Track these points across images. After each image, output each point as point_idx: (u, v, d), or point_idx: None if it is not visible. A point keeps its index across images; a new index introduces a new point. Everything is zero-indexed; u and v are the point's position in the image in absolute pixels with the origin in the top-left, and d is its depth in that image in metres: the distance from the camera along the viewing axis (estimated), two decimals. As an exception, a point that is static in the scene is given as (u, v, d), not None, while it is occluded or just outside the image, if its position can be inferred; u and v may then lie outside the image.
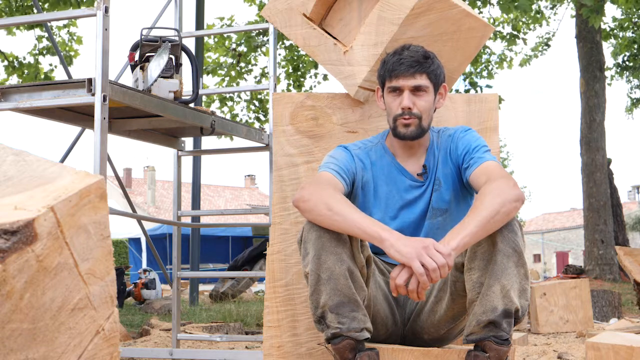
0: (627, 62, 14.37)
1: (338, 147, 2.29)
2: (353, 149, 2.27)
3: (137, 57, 3.19)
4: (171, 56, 3.19)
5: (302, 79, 12.52)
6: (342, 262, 1.93)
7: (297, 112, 2.53)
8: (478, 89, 12.20)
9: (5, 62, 10.80)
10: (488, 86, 12.44)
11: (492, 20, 11.86)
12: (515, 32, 11.87)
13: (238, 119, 12.32)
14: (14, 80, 10.80)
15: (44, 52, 10.80)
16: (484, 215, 1.88)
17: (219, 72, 12.11)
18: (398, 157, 2.27)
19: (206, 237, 17.85)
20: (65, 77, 7.67)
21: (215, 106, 12.46)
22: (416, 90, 2.17)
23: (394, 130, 2.21)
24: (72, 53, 10.60)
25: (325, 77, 12.47)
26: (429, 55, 2.21)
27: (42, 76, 10.72)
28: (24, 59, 10.89)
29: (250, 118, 12.73)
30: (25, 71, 10.69)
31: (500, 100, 10.73)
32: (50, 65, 10.99)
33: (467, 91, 12.25)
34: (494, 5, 10.45)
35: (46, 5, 9.38)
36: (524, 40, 12.18)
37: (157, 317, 6.05)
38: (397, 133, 2.20)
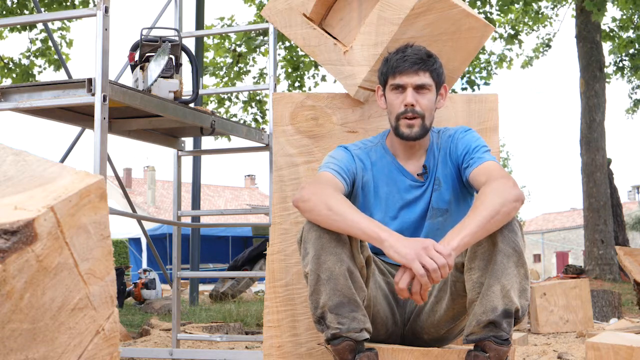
0: (624, 62, 14.37)
1: (338, 147, 2.29)
2: (353, 149, 2.27)
3: (137, 57, 3.19)
4: (171, 56, 3.19)
5: (301, 79, 12.51)
6: (341, 262, 1.93)
7: (297, 112, 2.53)
8: (475, 87, 12.19)
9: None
10: (486, 83, 12.43)
11: (492, 20, 11.85)
12: (512, 33, 11.86)
13: (235, 120, 12.31)
14: (7, 82, 10.79)
15: (37, 55, 10.80)
16: (484, 215, 1.88)
17: (219, 73, 12.11)
18: (398, 157, 2.26)
19: (206, 237, 17.85)
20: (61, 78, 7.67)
21: (211, 107, 12.45)
22: (419, 88, 2.17)
23: (396, 129, 2.20)
24: (63, 57, 10.58)
25: (324, 78, 12.46)
26: (432, 54, 2.22)
27: (34, 78, 10.72)
28: (19, 60, 10.90)
29: (248, 119, 12.73)
30: (16, 72, 10.68)
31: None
32: (40, 67, 10.96)
33: (463, 89, 12.26)
34: (492, 6, 10.44)
35: (41, 7, 9.39)
36: (520, 42, 12.17)
37: (157, 317, 6.05)
38: (399, 133, 2.19)
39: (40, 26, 10.37)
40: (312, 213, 1.98)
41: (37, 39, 10.82)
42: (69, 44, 10.83)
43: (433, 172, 2.24)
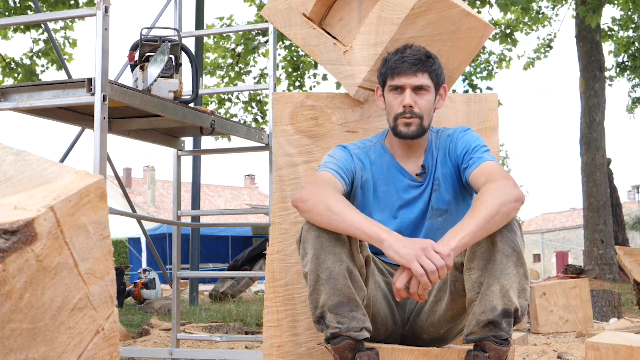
0: (626, 63, 14.37)
1: (337, 147, 2.29)
2: (352, 149, 2.27)
3: (137, 57, 3.19)
4: (171, 56, 3.19)
5: (301, 79, 12.51)
6: (341, 262, 1.93)
7: (297, 112, 2.53)
8: (478, 90, 12.19)
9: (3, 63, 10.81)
10: (489, 88, 12.44)
11: (492, 22, 11.84)
12: (507, 32, 11.84)
13: (236, 120, 12.31)
14: (9, 82, 10.78)
15: (40, 55, 10.79)
16: (483, 216, 1.88)
17: (219, 73, 12.12)
18: (397, 157, 2.26)
19: (206, 237, 17.85)
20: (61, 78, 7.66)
21: (212, 108, 12.45)
22: (418, 89, 2.17)
23: (394, 129, 2.20)
24: (66, 57, 10.55)
25: (325, 77, 12.46)
26: (431, 55, 2.21)
27: (37, 78, 10.71)
28: (21, 60, 10.89)
29: (248, 120, 12.74)
30: (20, 72, 10.67)
31: (499, 104, 10.70)
32: (43, 66, 10.96)
33: (466, 92, 12.26)
34: (492, 6, 10.44)
35: (44, 7, 9.38)
36: (515, 41, 12.16)
37: (157, 317, 6.05)
38: (398, 132, 2.20)
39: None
40: (311, 213, 1.98)
41: (40, 39, 10.81)
42: (73, 44, 10.80)
43: (432, 173, 2.24)
